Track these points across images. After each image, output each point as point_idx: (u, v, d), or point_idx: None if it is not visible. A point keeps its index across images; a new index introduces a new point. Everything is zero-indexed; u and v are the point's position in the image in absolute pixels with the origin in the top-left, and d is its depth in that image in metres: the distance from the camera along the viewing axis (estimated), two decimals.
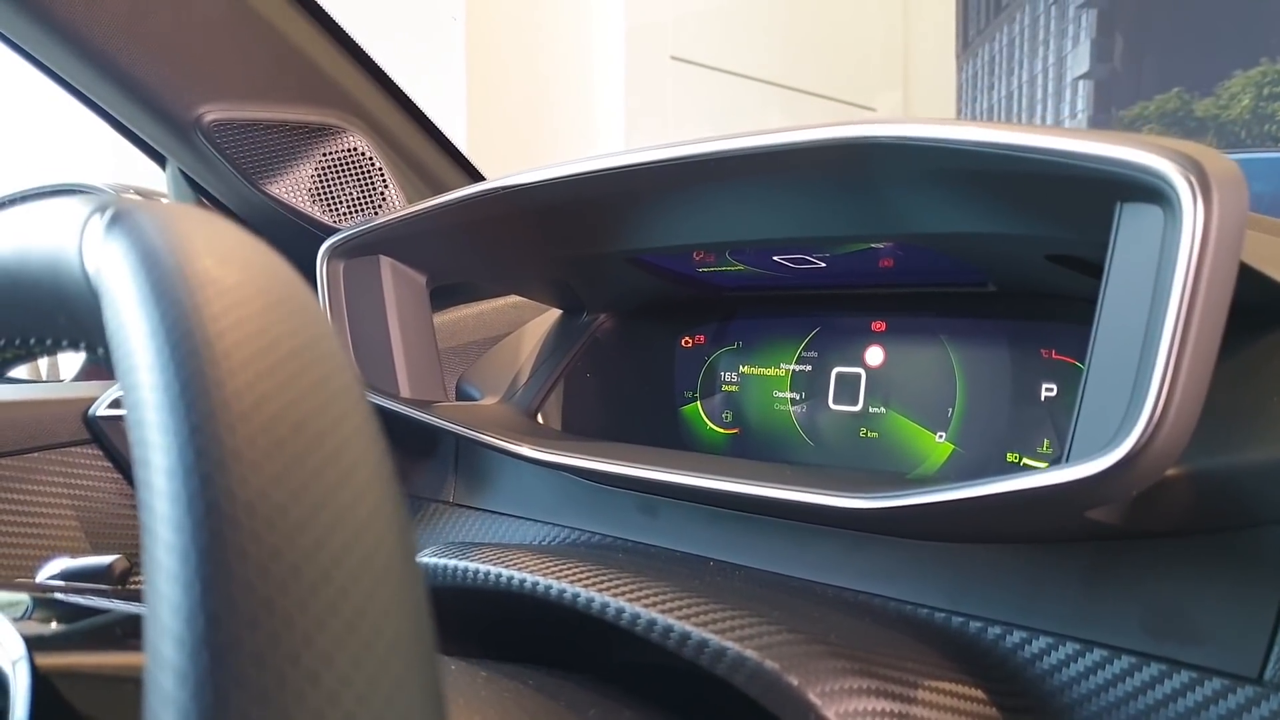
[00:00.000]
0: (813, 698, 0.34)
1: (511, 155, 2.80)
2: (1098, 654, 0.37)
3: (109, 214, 0.22)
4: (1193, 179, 0.27)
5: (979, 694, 0.37)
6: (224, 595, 0.16)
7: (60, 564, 0.39)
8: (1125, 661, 0.36)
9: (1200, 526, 0.35)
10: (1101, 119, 2.65)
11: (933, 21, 3.49)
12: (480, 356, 0.69)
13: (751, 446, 0.63)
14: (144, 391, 0.18)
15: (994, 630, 0.39)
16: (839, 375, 0.59)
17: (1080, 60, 2.67)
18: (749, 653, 0.35)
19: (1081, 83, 2.68)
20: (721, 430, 0.65)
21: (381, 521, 0.19)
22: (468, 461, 0.65)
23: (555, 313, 0.69)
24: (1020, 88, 2.78)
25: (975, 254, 0.44)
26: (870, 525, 0.42)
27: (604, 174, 0.45)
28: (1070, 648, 0.38)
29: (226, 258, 0.20)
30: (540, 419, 0.66)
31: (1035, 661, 0.38)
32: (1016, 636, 0.39)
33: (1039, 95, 2.72)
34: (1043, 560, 0.39)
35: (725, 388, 0.65)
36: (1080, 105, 2.61)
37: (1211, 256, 0.27)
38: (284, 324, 0.20)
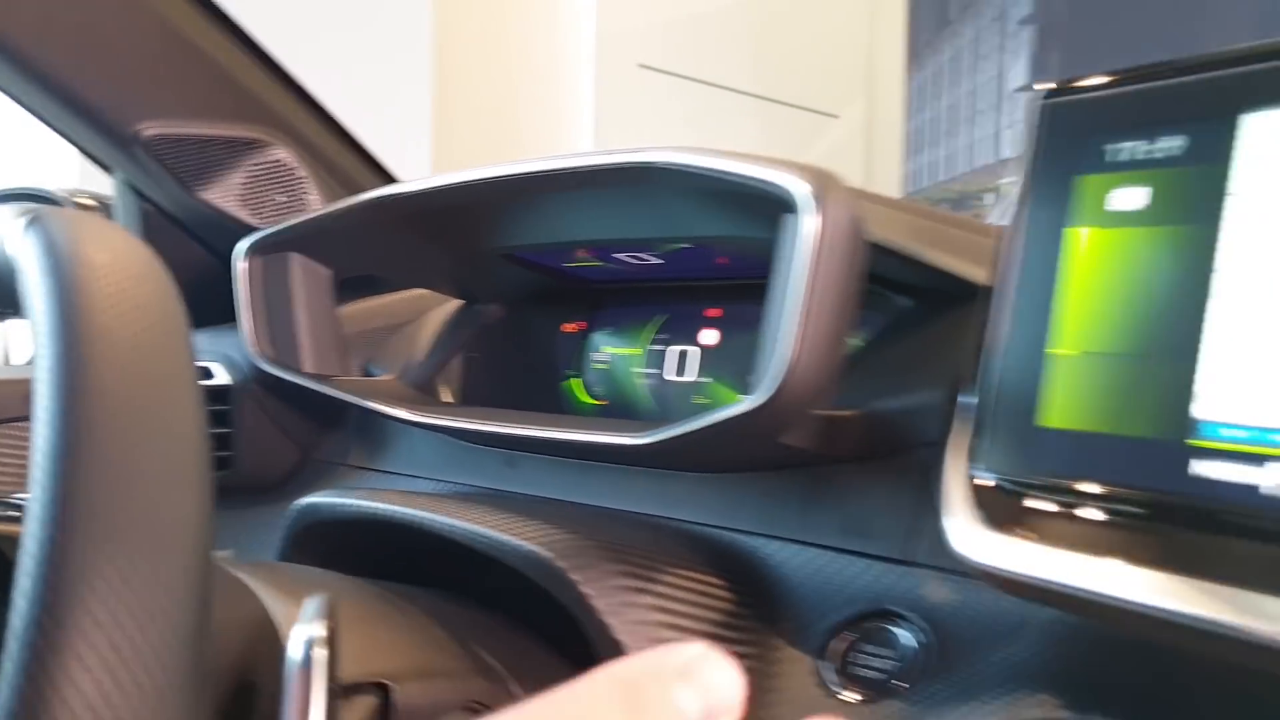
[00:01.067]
0: (573, 575, 0.45)
1: (480, 162, 2.90)
2: (811, 551, 0.49)
3: (27, 218, 0.33)
4: (812, 192, 0.38)
5: (720, 582, 0.48)
6: (75, 451, 0.27)
7: None
8: (828, 556, 0.48)
9: (874, 453, 0.47)
10: None
11: (895, 33, 3.61)
12: (387, 341, 0.80)
13: (614, 413, 0.75)
14: (40, 324, 0.29)
15: (740, 538, 0.51)
16: (680, 353, 0.70)
17: (1019, 73, 2.80)
18: (532, 547, 0.46)
19: (1020, 95, 2.80)
20: (594, 401, 0.76)
21: (186, 422, 0.30)
22: (366, 430, 0.77)
23: (456, 302, 0.80)
24: (962, 100, 2.91)
25: (746, 251, 0.55)
26: (650, 460, 0.54)
27: (457, 186, 0.56)
28: (792, 548, 0.49)
29: (100, 245, 0.32)
30: (442, 395, 0.77)
31: (768, 560, 0.50)
32: (756, 542, 0.51)
33: (979, 107, 2.85)
34: (775, 485, 0.51)
35: (597, 366, 0.77)
36: (1018, 116, 2.73)
37: (825, 251, 0.38)
38: (135, 287, 0.31)
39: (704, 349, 0.69)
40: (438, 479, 0.71)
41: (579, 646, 0.47)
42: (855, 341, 0.56)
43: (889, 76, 3.64)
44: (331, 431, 0.79)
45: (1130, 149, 0.32)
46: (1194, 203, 0.30)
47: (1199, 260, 0.30)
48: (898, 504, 0.45)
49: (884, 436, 0.46)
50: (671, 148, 0.46)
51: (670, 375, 0.70)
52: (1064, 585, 0.31)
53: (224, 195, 0.77)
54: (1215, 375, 0.30)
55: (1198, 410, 0.30)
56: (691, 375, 0.69)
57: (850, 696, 0.44)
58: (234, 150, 0.76)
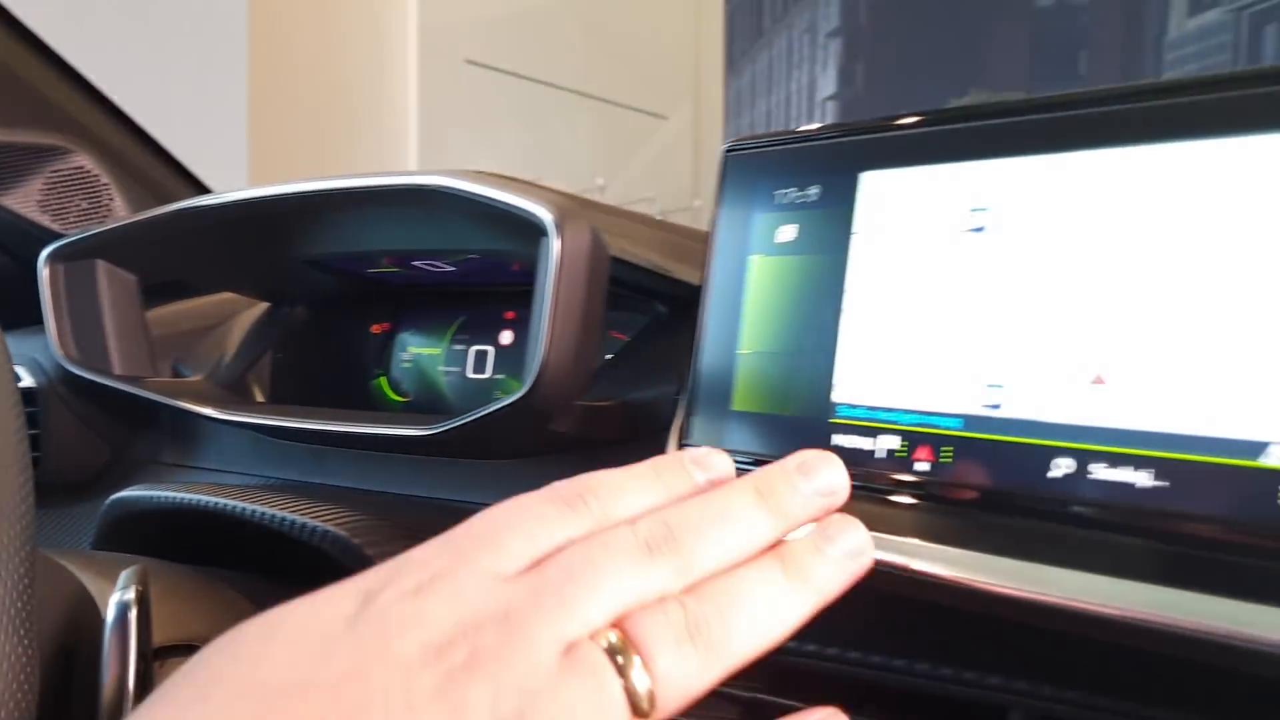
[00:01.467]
0: (369, 552, 0.51)
1: (302, 160, 2.86)
2: None
3: None
4: (552, 220, 0.46)
5: None
6: None
7: None
8: None
9: (633, 436, 0.55)
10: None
11: (718, 39, 3.75)
12: (196, 343, 0.83)
13: (420, 409, 0.80)
14: None
15: None
16: (479, 352, 0.77)
17: (828, 83, 2.99)
18: (330, 527, 0.52)
19: (829, 103, 2.99)
20: (401, 399, 0.82)
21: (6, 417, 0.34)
22: (178, 429, 0.80)
23: (264, 305, 0.84)
24: (778, 106, 3.08)
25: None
26: (442, 450, 0.60)
27: (255, 200, 0.61)
28: None
29: None
30: (255, 394, 0.81)
31: None
32: None
33: (794, 113, 3.03)
34: (552, 467, 0.58)
35: (403, 365, 0.82)
36: (829, 122, 2.92)
37: (565, 269, 0.46)
38: None
39: (500, 348, 0.76)
40: (248, 473, 0.75)
41: None
42: (621, 340, 0.64)
43: (714, 81, 3.79)
44: (143, 431, 0.81)
45: (787, 194, 0.41)
46: (828, 238, 0.39)
47: (833, 282, 0.39)
48: None
49: (639, 422, 0.54)
50: (446, 173, 0.52)
51: (470, 373, 0.76)
52: None
53: (24, 201, 0.78)
54: (846, 369, 0.39)
55: (836, 395, 0.39)
56: (489, 372, 0.76)
57: None
58: (33, 156, 0.78)
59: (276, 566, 0.64)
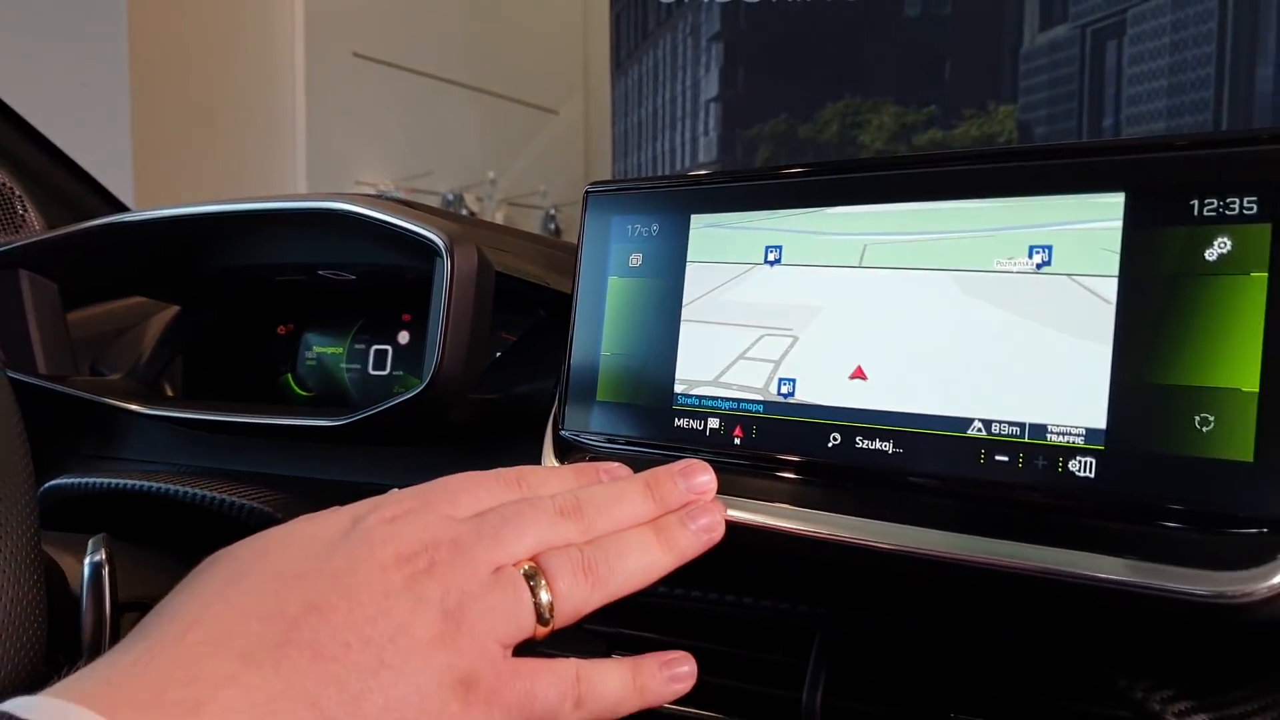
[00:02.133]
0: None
1: (188, 155, 2.83)
2: None
3: None
4: (444, 244, 0.55)
5: None
6: None
7: None
8: None
9: (517, 426, 0.65)
10: (728, 137, 3.11)
11: (606, 36, 3.83)
12: (112, 344, 0.89)
13: (324, 404, 0.89)
14: None
15: None
16: (379, 350, 0.86)
17: (711, 85, 3.13)
18: (256, 504, 0.61)
19: (712, 105, 3.13)
20: (306, 394, 0.90)
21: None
22: (101, 425, 0.86)
23: (176, 308, 0.91)
24: (664, 106, 3.21)
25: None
26: (352, 438, 0.69)
27: (171, 219, 0.68)
28: None
29: None
30: (169, 392, 0.87)
31: None
32: None
33: (678, 114, 3.16)
34: (454, 451, 0.68)
35: (308, 363, 0.90)
36: (711, 124, 3.06)
37: (455, 285, 0.55)
38: None
39: (399, 347, 0.85)
40: (168, 462, 0.82)
41: None
42: (510, 340, 0.74)
43: (604, 76, 3.89)
44: (66, 426, 0.87)
45: (636, 229, 0.51)
46: (668, 265, 0.50)
47: (674, 299, 0.50)
48: (538, 463, 0.64)
49: (523, 412, 0.64)
50: (350, 198, 0.61)
51: (371, 370, 0.85)
52: None
53: None
54: (684, 367, 0.50)
55: (676, 388, 0.50)
56: (389, 369, 0.85)
57: None
58: None
59: (196, 547, 0.72)
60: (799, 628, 0.52)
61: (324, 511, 0.36)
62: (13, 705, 0.26)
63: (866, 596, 0.50)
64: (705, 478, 0.41)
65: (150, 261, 0.78)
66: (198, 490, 0.63)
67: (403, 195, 3.49)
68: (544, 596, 0.35)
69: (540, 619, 0.35)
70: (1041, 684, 0.47)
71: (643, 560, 0.38)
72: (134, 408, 0.72)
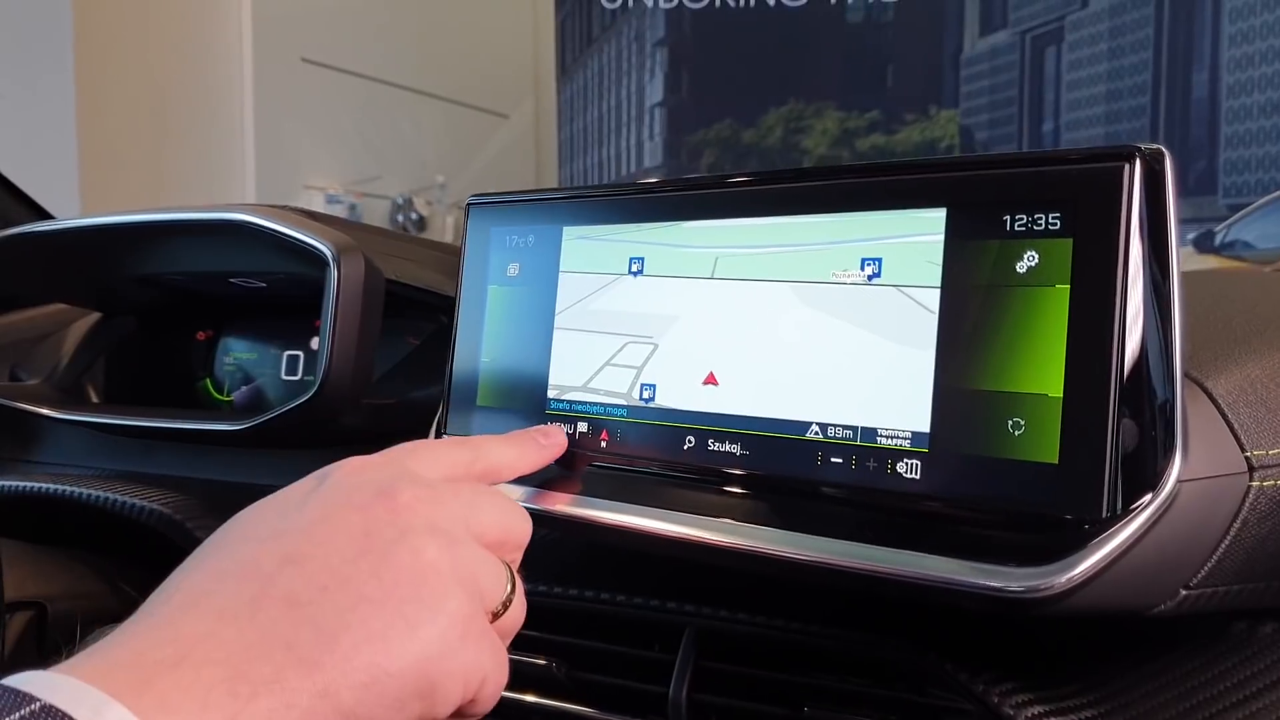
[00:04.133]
0: (189, 525, 0.61)
1: (135, 163, 2.81)
2: None
3: None
4: (331, 254, 0.57)
5: None
6: None
7: None
8: None
9: (415, 429, 0.66)
10: (674, 142, 3.13)
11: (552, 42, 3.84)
12: (32, 350, 0.90)
13: (242, 408, 0.90)
14: None
15: None
16: (290, 356, 0.87)
17: (656, 90, 3.16)
18: (153, 505, 0.62)
19: (657, 110, 3.16)
20: (225, 398, 0.91)
21: None
22: (15, 428, 0.87)
23: (96, 314, 0.91)
24: (609, 111, 3.23)
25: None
26: (257, 442, 0.71)
27: (80, 229, 0.69)
28: None
29: None
30: (92, 397, 0.88)
31: None
32: None
33: (624, 119, 3.18)
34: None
35: (225, 368, 0.91)
36: (657, 129, 3.09)
37: (342, 295, 0.57)
38: None
39: (310, 352, 0.86)
40: (83, 466, 0.83)
41: None
42: (416, 344, 0.76)
43: (553, 82, 3.91)
44: None
45: (514, 239, 0.53)
46: (542, 274, 0.52)
47: (548, 308, 0.52)
48: None
49: (419, 416, 0.66)
50: (248, 208, 0.63)
51: (284, 374, 0.86)
52: None
53: None
54: (556, 374, 0.52)
55: (550, 394, 0.52)
56: (301, 374, 0.86)
57: None
58: None
59: (109, 550, 0.73)
60: (673, 624, 0.54)
61: (293, 483, 0.37)
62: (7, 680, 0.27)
63: (734, 592, 0.53)
64: (558, 435, 0.49)
65: (65, 270, 0.79)
66: (100, 493, 0.64)
67: (352, 199, 3.49)
68: (509, 583, 0.37)
69: (505, 600, 0.36)
70: (891, 678, 0.50)
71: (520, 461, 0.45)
72: (45, 412, 0.73)
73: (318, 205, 3.33)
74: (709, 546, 0.46)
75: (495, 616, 0.36)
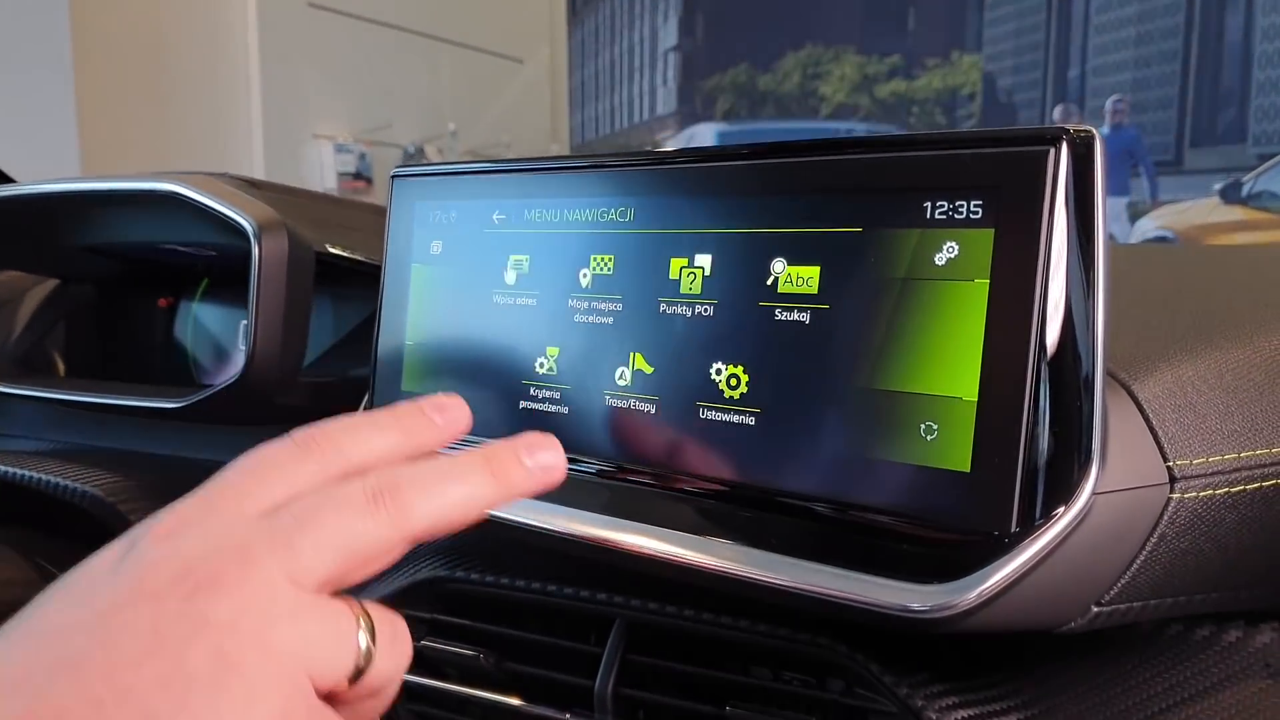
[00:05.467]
0: (121, 507, 0.60)
1: (138, 118, 2.78)
2: None
3: None
4: (253, 229, 0.55)
5: None
6: None
7: None
8: None
9: (353, 409, 0.65)
10: (687, 87, 3.07)
11: None
12: None
13: (208, 377, 0.89)
14: None
15: None
16: (245, 325, 0.85)
17: (669, 34, 3.08)
18: (87, 487, 0.61)
19: (671, 54, 3.09)
20: (189, 367, 0.90)
21: None
22: None
23: (53, 281, 0.90)
24: (622, 56, 3.16)
25: None
26: (199, 417, 0.69)
27: (9, 198, 0.67)
28: None
29: None
30: (58, 365, 0.87)
31: None
32: None
33: (636, 64, 3.11)
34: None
35: (189, 337, 0.90)
36: (670, 74, 3.02)
37: (264, 271, 0.55)
38: None
39: None
40: (39, 438, 0.82)
41: None
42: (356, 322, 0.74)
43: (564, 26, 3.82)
44: None
45: (437, 215, 0.51)
46: (464, 251, 0.50)
47: (470, 287, 0.50)
48: None
49: (360, 396, 0.65)
50: (176, 177, 0.61)
51: (240, 344, 0.85)
52: None
53: None
54: (485, 356, 0.50)
55: (477, 378, 0.50)
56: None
57: None
58: None
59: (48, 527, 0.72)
60: (605, 615, 0.53)
61: (108, 545, 0.30)
62: None
63: (667, 584, 0.51)
64: (553, 455, 0.34)
65: (12, 237, 0.77)
66: (31, 473, 0.63)
67: (362, 148, 3.46)
68: (363, 640, 0.29)
69: (359, 664, 0.29)
70: (821, 677, 0.48)
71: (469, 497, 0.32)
72: None
73: (327, 155, 3.30)
74: (620, 551, 0.44)
75: (354, 680, 0.29)
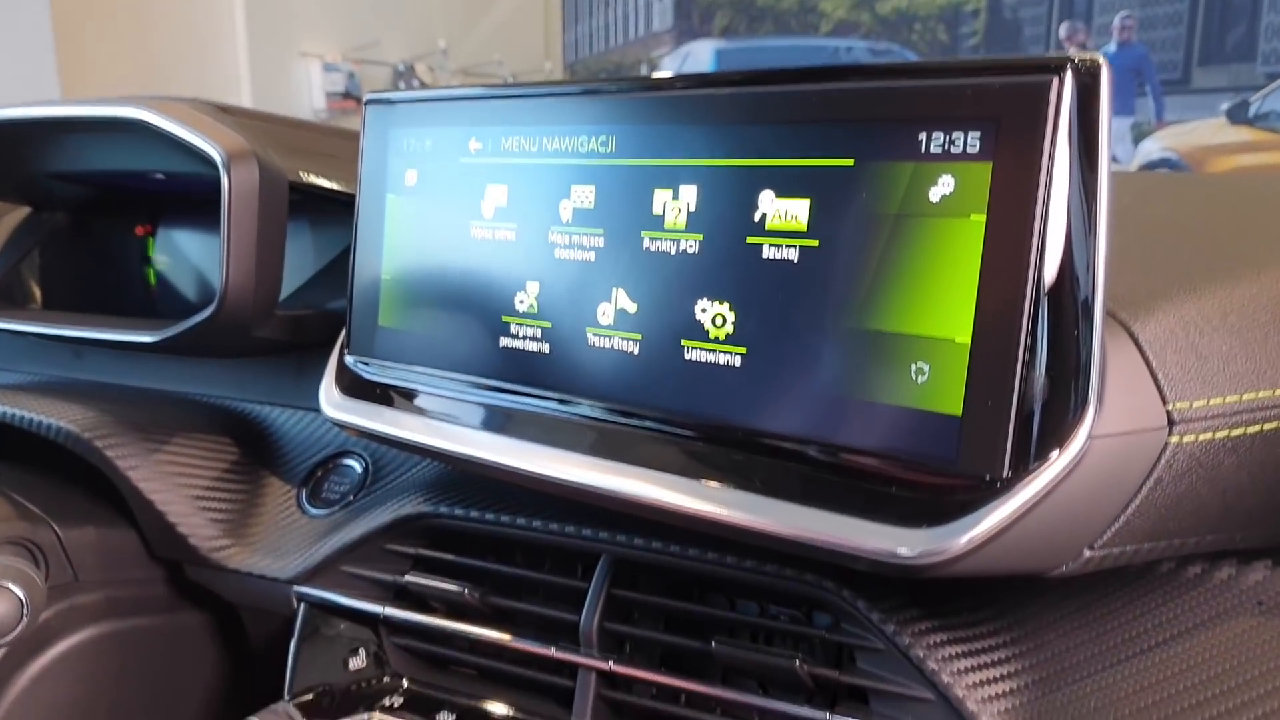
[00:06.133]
0: (97, 444, 0.59)
1: (116, 33, 2.70)
2: (300, 413, 0.66)
3: None
4: (221, 158, 0.53)
5: (228, 440, 0.64)
6: None
7: None
8: (312, 416, 0.65)
9: (331, 340, 0.63)
10: (683, 3, 2.98)
11: None
12: None
13: (186, 305, 0.87)
14: None
15: (249, 406, 0.67)
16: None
17: None
18: (63, 424, 0.60)
19: None
20: (168, 296, 0.88)
21: None
22: None
23: (24, 209, 0.88)
24: None
25: None
26: (174, 350, 0.68)
27: None
28: (288, 412, 0.66)
29: None
30: (34, 293, 0.85)
31: (268, 420, 0.67)
32: (262, 409, 0.67)
33: None
34: (277, 365, 0.67)
35: (167, 264, 0.88)
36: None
37: (235, 202, 0.53)
38: None
39: None
40: (13, 369, 0.81)
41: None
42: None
43: None
44: None
45: (412, 144, 0.49)
46: (439, 181, 0.48)
47: (445, 219, 0.48)
48: None
49: (339, 328, 0.63)
50: (142, 102, 0.58)
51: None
52: (377, 432, 0.50)
53: None
54: (463, 291, 0.48)
55: (455, 314, 0.49)
56: None
57: (317, 512, 0.62)
58: None
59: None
60: (591, 551, 0.52)
61: None
62: None
63: (654, 521, 0.50)
64: None
65: None
66: (6, 408, 0.62)
67: (350, 67, 3.37)
68: None
69: None
70: (808, 613, 0.48)
71: None
72: None
73: (315, 74, 3.22)
74: (603, 494, 0.43)
75: None
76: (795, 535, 0.37)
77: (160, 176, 0.75)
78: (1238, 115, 2.83)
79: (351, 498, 0.61)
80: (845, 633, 0.46)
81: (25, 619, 0.48)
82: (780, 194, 0.39)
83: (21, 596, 0.48)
